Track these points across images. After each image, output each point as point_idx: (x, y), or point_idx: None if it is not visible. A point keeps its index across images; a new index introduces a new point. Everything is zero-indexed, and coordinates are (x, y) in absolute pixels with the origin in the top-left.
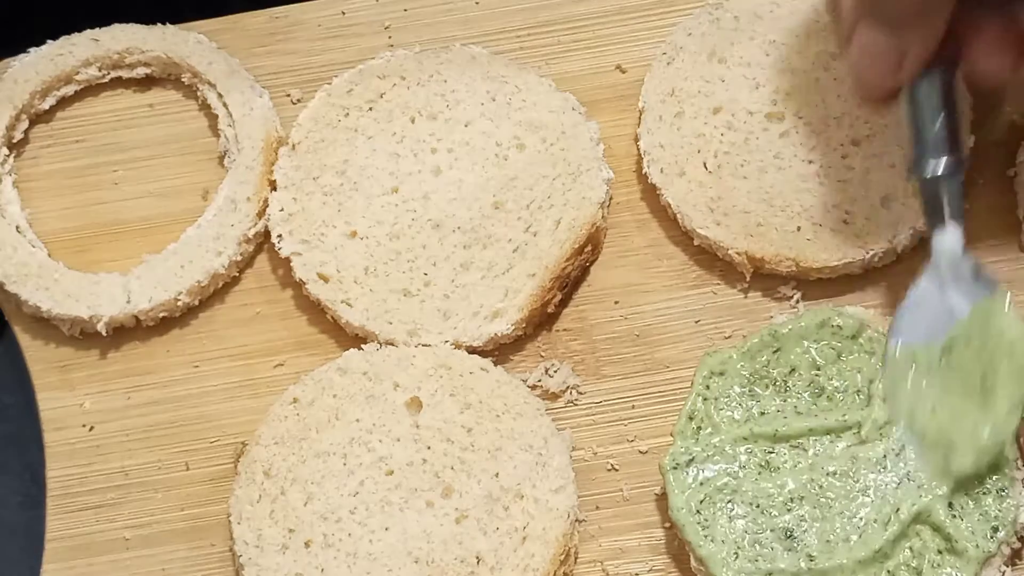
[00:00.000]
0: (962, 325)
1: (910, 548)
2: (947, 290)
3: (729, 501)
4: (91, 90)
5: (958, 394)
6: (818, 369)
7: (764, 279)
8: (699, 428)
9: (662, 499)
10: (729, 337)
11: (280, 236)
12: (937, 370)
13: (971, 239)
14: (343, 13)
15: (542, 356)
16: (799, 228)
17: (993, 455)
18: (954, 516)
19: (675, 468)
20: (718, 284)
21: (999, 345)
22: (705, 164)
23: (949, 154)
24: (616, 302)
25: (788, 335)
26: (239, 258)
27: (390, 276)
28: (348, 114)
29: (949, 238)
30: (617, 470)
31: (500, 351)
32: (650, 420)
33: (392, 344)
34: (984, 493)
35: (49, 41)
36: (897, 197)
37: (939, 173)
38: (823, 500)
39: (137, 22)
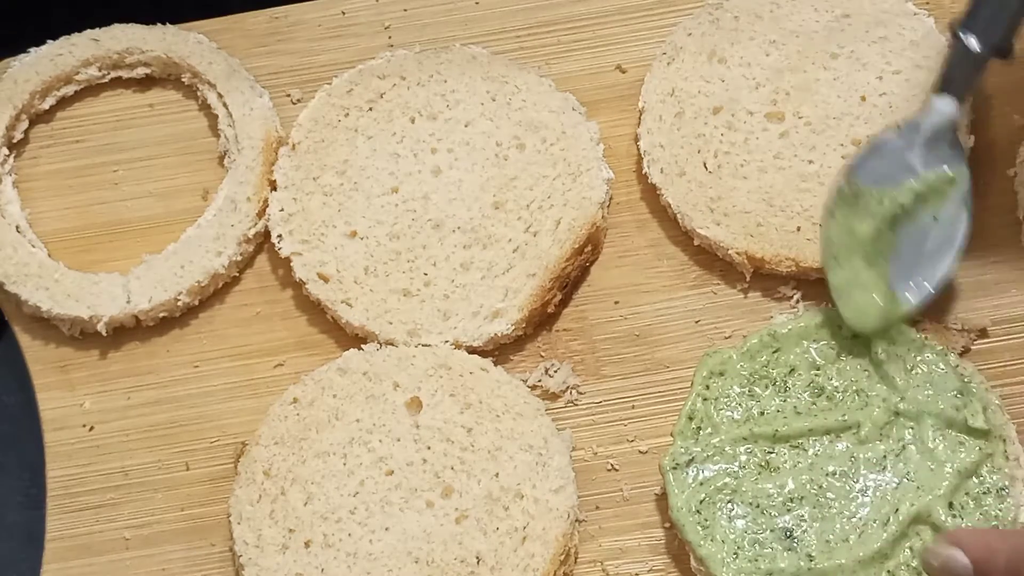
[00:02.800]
0: (912, 185)
1: (910, 548)
2: (916, 148)
3: (729, 501)
4: (91, 90)
5: (873, 254)
6: (818, 369)
7: (764, 279)
8: (699, 428)
9: (662, 499)
10: (729, 337)
11: (280, 236)
12: (872, 221)
13: (971, 239)
14: (343, 13)
15: (542, 356)
16: (799, 228)
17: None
18: (954, 516)
19: (675, 468)
20: (718, 284)
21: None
22: (705, 164)
23: (999, 41)
24: (616, 302)
25: (788, 335)
26: (239, 258)
27: (390, 276)
28: (348, 114)
29: (945, 104)
30: (617, 470)
31: (500, 351)
32: (650, 420)
33: (392, 344)
34: (984, 493)
35: (49, 41)
36: None
37: (979, 49)
38: (823, 500)
39: (137, 22)
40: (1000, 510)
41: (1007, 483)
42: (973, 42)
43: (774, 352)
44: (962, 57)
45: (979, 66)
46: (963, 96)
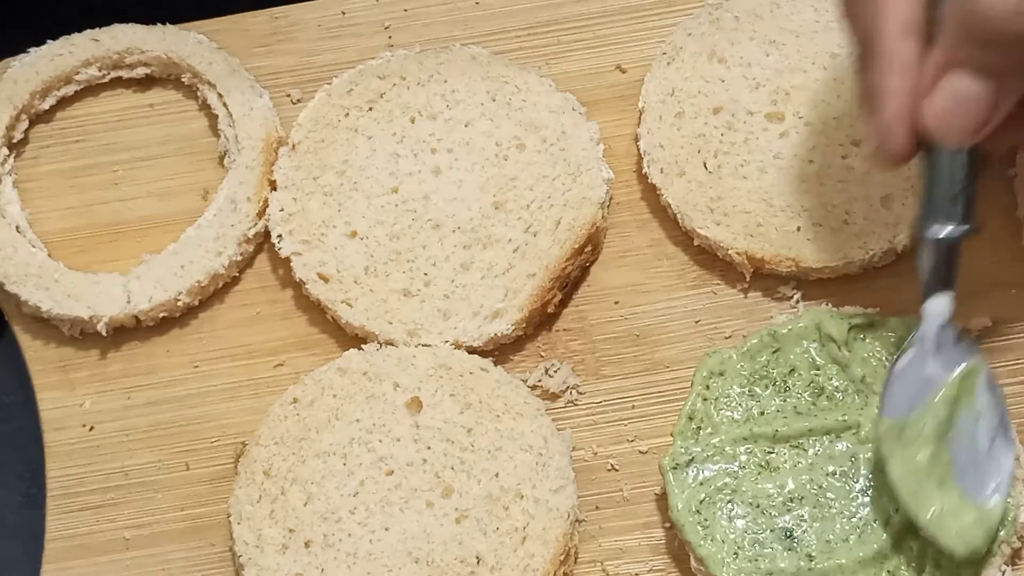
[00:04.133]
0: (944, 398)
1: (911, 548)
2: (930, 359)
3: (729, 501)
4: (91, 90)
5: (942, 477)
6: (818, 369)
7: (764, 279)
8: (699, 428)
9: (662, 499)
10: (729, 337)
11: (280, 236)
12: (925, 447)
13: (971, 239)
14: (343, 13)
15: (542, 356)
16: (799, 228)
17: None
18: None
19: (675, 468)
20: (718, 284)
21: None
22: (705, 164)
23: (962, 222)
24: (616, 302)
25: (788, 335)
26: (239, 258)
27: (390, 276)
28: (348, 114)
29: (941, 305)
30: (617, 470)
31: (500, 351)
32: (650, 420)
33: (392, 344)
34: None
35: (49, 41)
36: (897, 197)
37: (949, 235)
38: (823, 500)
39: (137, 22)
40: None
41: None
42: (944, 231)
43: (774, 352)
44: (938, 251)
45: (954, 251)
46: (953, 285)
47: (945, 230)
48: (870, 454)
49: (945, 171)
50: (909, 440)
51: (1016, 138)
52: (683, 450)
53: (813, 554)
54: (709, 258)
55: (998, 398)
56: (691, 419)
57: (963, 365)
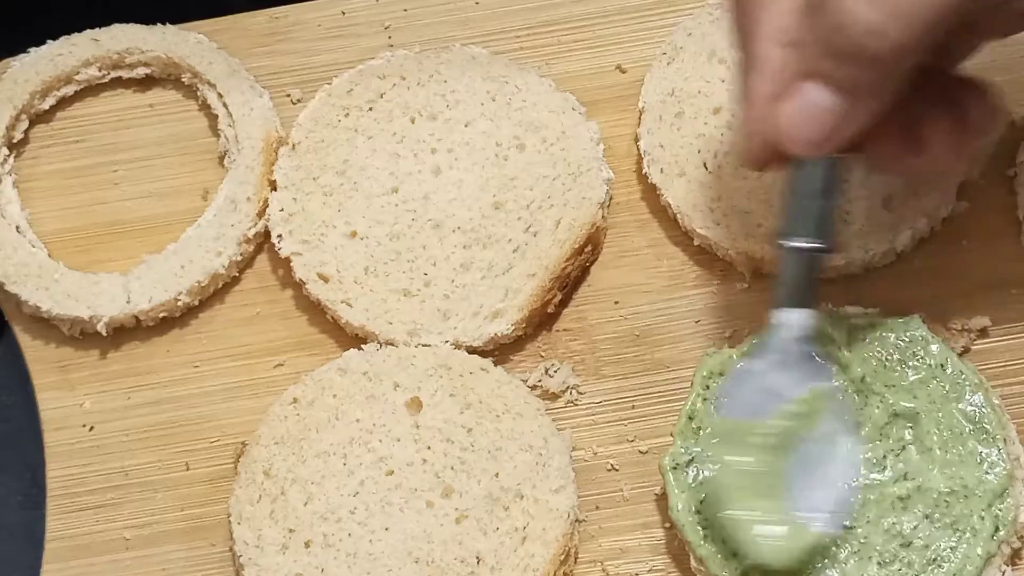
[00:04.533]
0: (786, 412)
1: (911, 548)
2: (776, 370)
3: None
4: (91, 90)
5: (767, 489)
6: None
7: (764, 279)
8: (699, 428)
9: (662, 499)
10: (729, 337)
11: (280, 236)
12: (755, 454)
13: (971, 239)
14: (343, 13)
15: (542, 356)
16: None
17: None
18: None
19: (675, 468)
20: (718, 284)
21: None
22: (705, 164)
23: (821, 239)
24: (616, 302)
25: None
26: (239, 258)
27: (390, 276)
28: (348, 114)
29: (793, 318)
30: (617, 470)
31: (500, 351)
32: (650, 420)
33: (392, 344)
34: None
35: (49, 41)
36: (897, 197)
37: (808, 248)
38: None
39: (137, 22)
40: (1000, 510)
41: (1007, 483)
42: (796, 244)
43: None
44: (796, 262)
45: (812, 267)
46: (809, 302)
47: (796, 242)
48: (870, 453)
49: (802, 184)
50: (741, 444)
51: (902, 164)
52: (683, 450)
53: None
54: (709, 258)
55: (849, 427)
56: (691, 419)
57: (814, 385)
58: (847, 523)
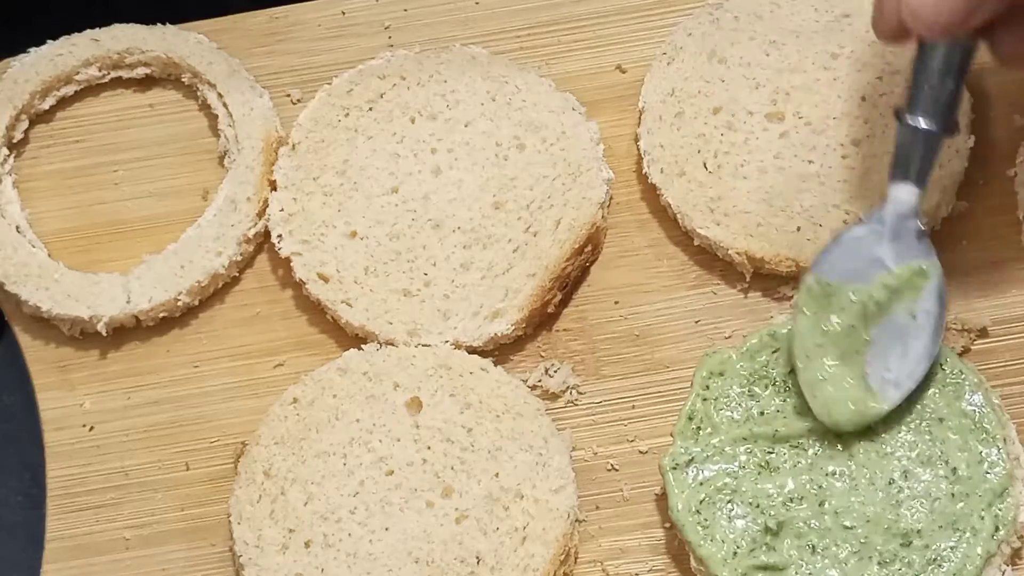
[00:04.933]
0: (884, 281)
1: (911, 548)
2: (884, 241)
3: (729, 501)
4: (91, 90)
5: (847, 352)
6: None
7: (764, 279)
8: (699, 428)
9: (662, 499)
10: (729, 337)
11: (280, 236)
12: (844, 317)
13: (971, 239)
14: (343, 13)
15: (542, 356)
16: (799, 228)
17: (867, 423)
18: None
19: (675, 468)
20: (718, 284)
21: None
22: (705, 164)
23: (944, 119)
24: (616, 302)
25: (788, 335)
26: (239, 258)
27: (390, 276)
28: (348, 114)
29: (906, 192)
30: (617, 470)
31: (500, 351)
32: (650, 420)
33: (392, 344)
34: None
35: (49, 41)
36: None
37: (926, 127)
38: (823, 500)
39: (137, 22)
40: (1000, 510)
41: (1007, 483)
42: (921, 122)
43: (774, 352)
44: (913, 140)
45: (931, 147)
46: (922, 181)
47: (920, 121)
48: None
49: (929, 63)
50: (832, 304)
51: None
52: (683, 450)
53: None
54: (709, 258)
55: (941, 310)
56: (691, 419)
57: (917, 262)
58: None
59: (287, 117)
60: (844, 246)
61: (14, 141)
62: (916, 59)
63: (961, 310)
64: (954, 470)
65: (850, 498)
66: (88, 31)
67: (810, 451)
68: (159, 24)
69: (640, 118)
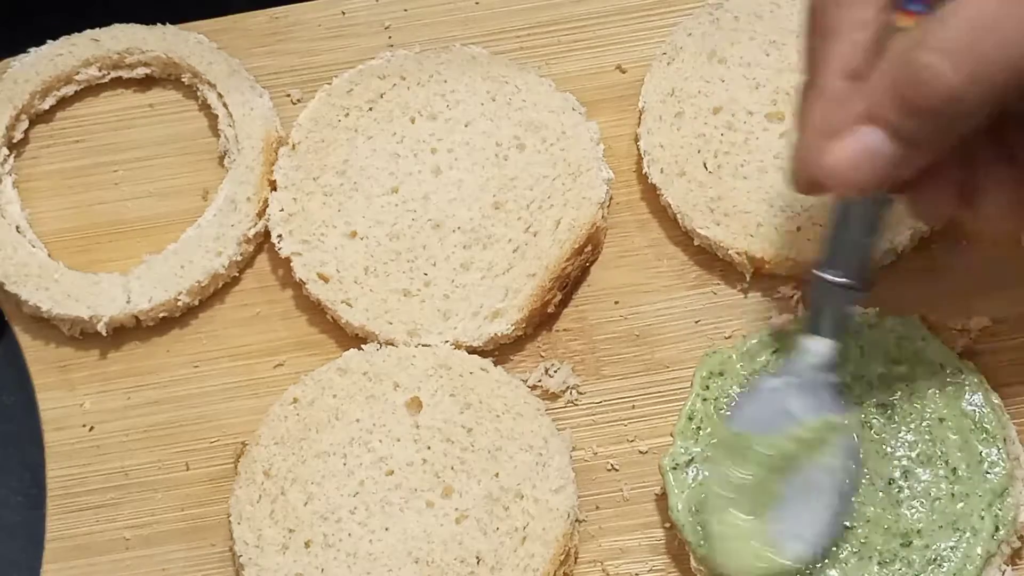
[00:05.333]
0: (797, 434)
1: (911, 549)
2: (795, 393)
3: None
4: (91, 90)
5: (755, 504)
6: None
7: (764, 279)
8: (699, 428)
9: (662, 499)
10: (729, 337)
11: (280, 236)
12: (755, 468)
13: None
14: (343, 13)
15: (542, 356)
16: (799, 228)
17: None
18: None
19: (675, 468)
20: (718, 284)
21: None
22: (705, 164)
23: (859, 274)
24: (616, 302)
25: (788, 335)
26: (239, 258)
27: (390, 276)
28: (348, 114)
29: (819, 346)
30: (617, 470)
31: (500, 351)
32: (650, 420)
33: (392, 344)
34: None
35: (49, 41)
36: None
37: (841, 282)
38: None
39: (137, 22)
40: (1000, 510)
41: (1007, 483)
42: (836, 278)
43: (774, 352)
44: (828, 294)
45: (845, 300)
46: (837, 334)
47: (835, 277)
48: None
49: (845, 219)
50: (741, 456)
51: (947, 211)
52: (683, 450)
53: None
54: (709, 258)
55: (855, 467)
56: (691, 419)
57: (829, 416)
58: (817, 559)
59: (287, 117)
60: (758, 397)
61: (14, 141)
62: (832, 213)
63: (961, 310)
64: (954, 470)
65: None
66: (88, 31)
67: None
68: (159, 24)
69: (640, 118)
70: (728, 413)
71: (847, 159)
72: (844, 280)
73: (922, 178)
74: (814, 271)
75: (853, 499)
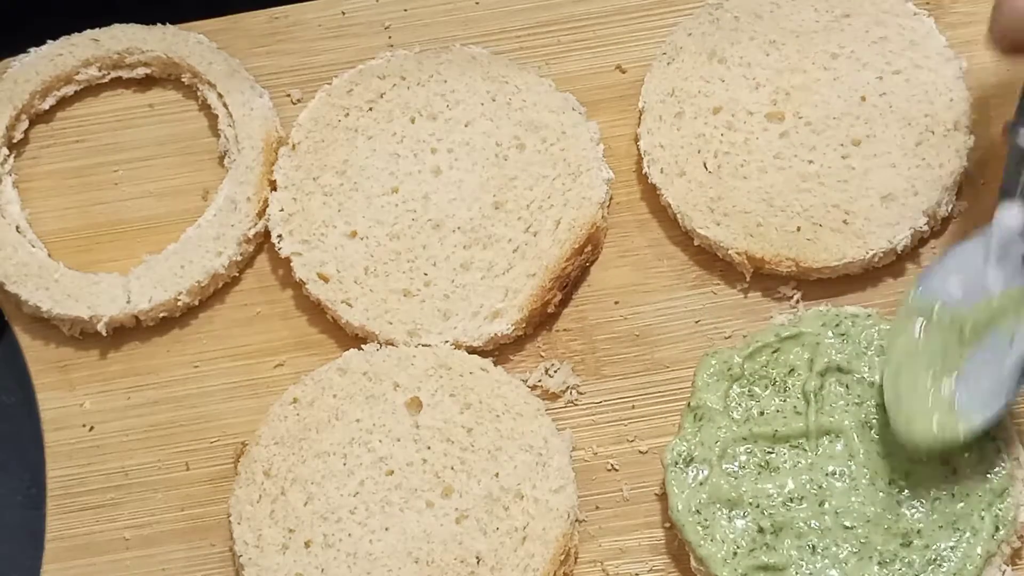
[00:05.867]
0: (986, 304)
1: (911, 548)
2: (989, 263)
3: (729, 501)
4: (91, 90)
5: (939, 371)
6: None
7: (764, 279)
8: (700, 428)
9: (662, 499)
10: (729, 337)
11: (280, 236)
12: (941, 335)
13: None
14: (343, 13)
15: (542, 356)
16: (799, 228)
17: (945, 447)
18: None
19: (676, 467)
20: (718, 284)
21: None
22: (705, 164)
23: None
24: (616, 302)
25: (788, 335)
26: (239, 258)
27: (390, 276)
28: (348, 114)
29: (1013, 213)
30: (617, 470)
31: (500, 351)
32: (650, 420)
33: (392, 344)
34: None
35: (49, 41)
36: (897, 197)
37: None
38: (823, 500)
39: (137, 22)
40: (1000, 510)
41: (1007, 483)
42: None
43: (774, 352)
44: (1020, 159)
45: None
46: None
47: None
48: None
49: None
50: (932, 321)
51: None
52: (684, 449)
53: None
54: (709, 258)
55: None
56: (692, 418)
57: (1019, 287)
58: (996, 419)
59: (287, 117)
60: (950, 263)
61: (14, 141)
62: None
63: None
64: (954, 470)
65: (850, 498)
66: (88, 31)
67: (810, 451)
68: (159, 24)
69: (640, 118)
70: (920, 278)
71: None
72: None
73: None
74: (1011, 133)
75: None
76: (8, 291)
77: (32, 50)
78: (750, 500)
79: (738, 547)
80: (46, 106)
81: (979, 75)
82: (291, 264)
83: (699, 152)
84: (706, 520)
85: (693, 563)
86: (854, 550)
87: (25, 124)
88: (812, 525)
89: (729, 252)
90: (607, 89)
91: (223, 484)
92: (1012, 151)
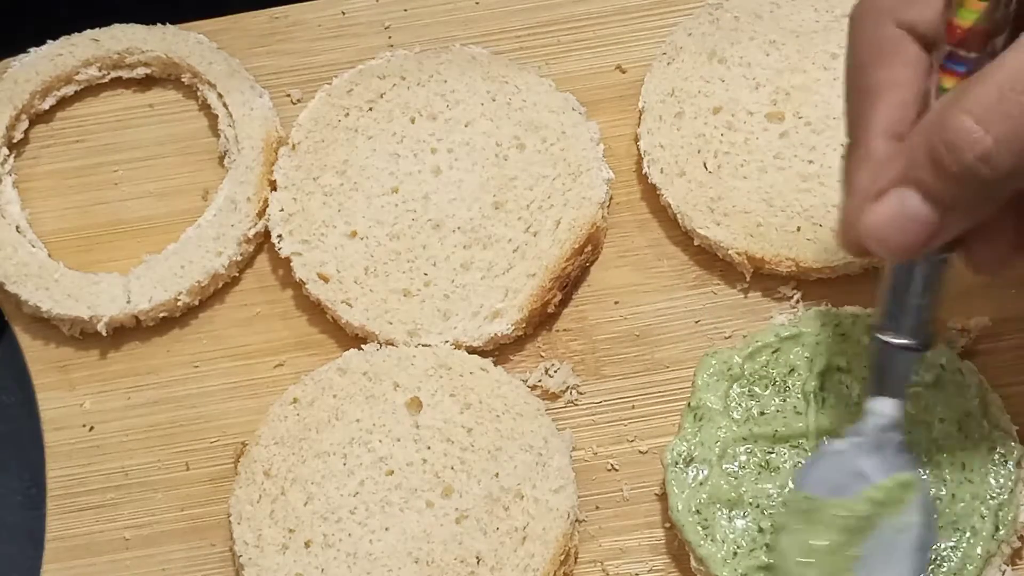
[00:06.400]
0: (869, 495)
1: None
2: (865, 455)
3: (729, 501)
4: (91, 90)
5: (832, 571)
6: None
7: (764, 279)
8: (700, 428)
9: (662, 499)
10: (729, 337)
11: (280, 236)
12: (830, 532)
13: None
14: (343, 13)
15: (542, 356)
16: (799, 228)
17: None
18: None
19: (676, 467)
20: (718, 284)
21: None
22: (705, 164)
23: (920, 334)
24: (616, 302)
25: (788, 335)
26: (239, 258)
27: (390, 276)
28: (348, 114)
29: (885, 406)
30: (617, 470)
31: (500, 351)
32: (650, 420)
33: (392, 344)
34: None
35: (49, 41)
36: None
37: (902, 344)
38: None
39: (137, 22)
40: (1000, 509)
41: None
42: (897, 340)
43: (774, 352)
44: (889, 356)
45: (908, 361)
46: (900, 393)
47: (889, 338)
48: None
49: (899, 280)
50: (815, 520)
51: (1004, 262)
52: (684, 449)
53: None
54: (709, 258)
55: (929, 520)
56: (692, 418)
57: (900, 474)
58: None
59: (287, 117)
60: (826, 461)
61: (14, 141)
62: (888, 274)
63: (961, 310)
64: (958, 468)
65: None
66: (88, 31)
67: (810, 451)
68: (159, 24)
69: (640, 118)
70: (795, 477)
71: (885, 222)
72: (905, 342)
73: (975, 232)
74: (875, 334)
75: (929, 553)
76: (8, 291)
77: (32, 50)
78: (750, 500)
79: (738, 547)
80: (46, 106)
81: None
82: (291, 264)
83: (699, 152)
84: (706, 520)
85: (693, 563)
86: None
87: (25, 124)
88: None
89: (729, 252)
90: (607, 89)
91: (223, 484)
92: (878, 350)
